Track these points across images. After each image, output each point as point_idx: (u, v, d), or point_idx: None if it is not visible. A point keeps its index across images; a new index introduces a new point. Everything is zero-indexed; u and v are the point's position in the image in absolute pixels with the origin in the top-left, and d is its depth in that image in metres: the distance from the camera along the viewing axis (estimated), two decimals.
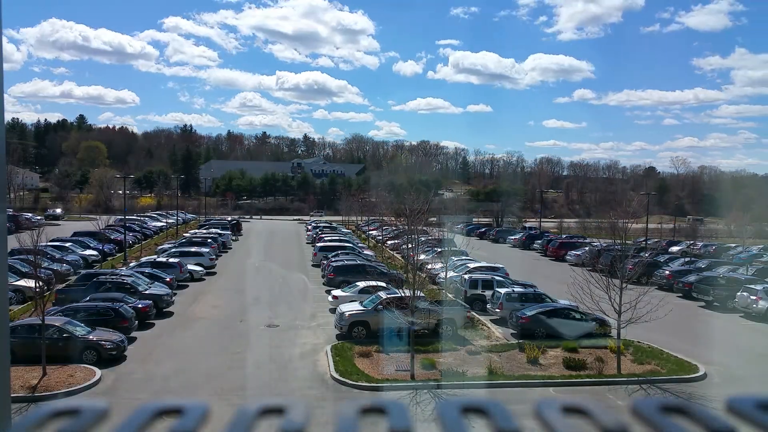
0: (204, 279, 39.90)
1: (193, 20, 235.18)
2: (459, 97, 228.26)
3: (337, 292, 31.33)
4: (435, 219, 52.74)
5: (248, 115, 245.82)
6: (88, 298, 27.66)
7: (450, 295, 31.64)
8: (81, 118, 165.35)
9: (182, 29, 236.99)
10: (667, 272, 41.40)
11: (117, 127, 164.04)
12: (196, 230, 65.48)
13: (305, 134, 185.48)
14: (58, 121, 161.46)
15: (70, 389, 19.61)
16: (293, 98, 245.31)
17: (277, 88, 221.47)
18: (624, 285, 22.44)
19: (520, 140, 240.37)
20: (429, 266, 39.81)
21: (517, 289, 30.92)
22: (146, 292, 29.78)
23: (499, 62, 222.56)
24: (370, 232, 66.23)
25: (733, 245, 62.38)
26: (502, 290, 30.30)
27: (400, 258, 48.05)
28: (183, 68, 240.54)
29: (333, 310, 28.80)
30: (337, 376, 20.99)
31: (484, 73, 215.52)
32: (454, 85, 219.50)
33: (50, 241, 40.58)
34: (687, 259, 51.39)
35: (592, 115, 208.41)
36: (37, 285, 22.72)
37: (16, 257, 30.57)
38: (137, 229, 63.35)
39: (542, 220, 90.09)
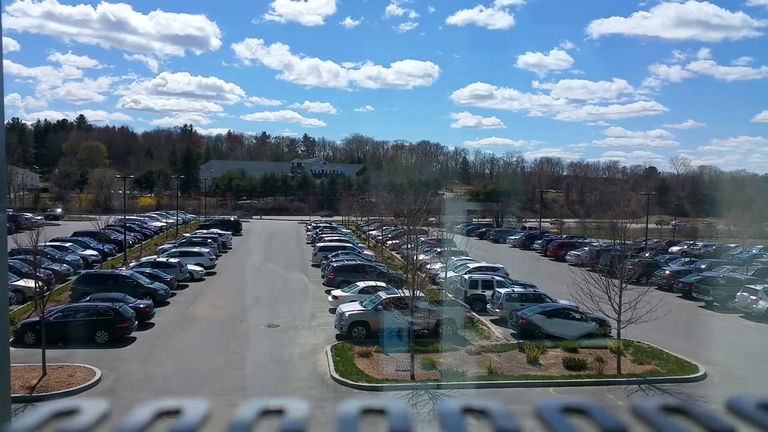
0: (204, 279, 39.92)
1: None
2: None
3: (337, 292, 31.33)
4: (434, 219, 52.72)
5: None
6: (88, 298, 27.67)
7: (450, 295, 31.62)
8: (81, 118, 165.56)
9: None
10: (667, 272, 41.39)
11: (117, 127, 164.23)
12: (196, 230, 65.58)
13: (305, 134, 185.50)
14: (58, 121, 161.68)
15: (70, 389, 19.59)
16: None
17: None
18: (624, 285, 22.45)
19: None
20: (429, 266, 39.80)
21: (517, 289, 30.92)
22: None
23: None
24: (370, 232, 66.21)
25: (733, 245, 62.38)
26: (502, 290, 30.30)
27: (400, 258, 48.04)
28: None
29: (333, 310, 28.79)
30: (337, 376, 20.99)
31: None
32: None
33: (50, 241, 40.50)
34: (687, 259, 51.44)
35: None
36: (37, 285, 22.72)
37: (16, 257, 30.56)
38: (137, 229, 63.34)
39: (542, 220, 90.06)
